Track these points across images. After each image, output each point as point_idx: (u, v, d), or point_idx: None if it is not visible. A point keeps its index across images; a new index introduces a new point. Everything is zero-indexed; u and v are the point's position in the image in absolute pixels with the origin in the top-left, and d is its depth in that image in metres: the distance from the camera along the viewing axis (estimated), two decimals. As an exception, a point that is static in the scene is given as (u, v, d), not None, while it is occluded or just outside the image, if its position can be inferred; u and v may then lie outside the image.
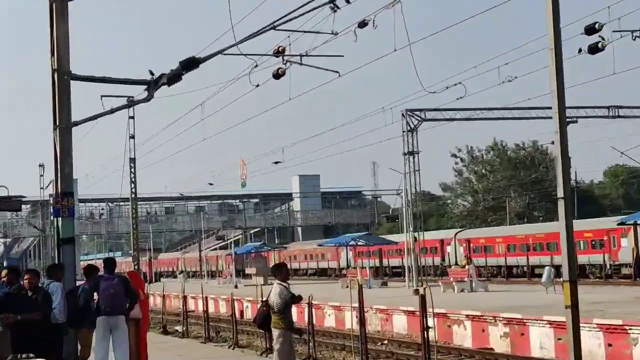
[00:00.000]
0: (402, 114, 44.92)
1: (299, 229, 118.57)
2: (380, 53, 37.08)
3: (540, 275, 41.33)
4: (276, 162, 61.01)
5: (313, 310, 20.28)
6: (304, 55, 20.58)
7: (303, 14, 17.89)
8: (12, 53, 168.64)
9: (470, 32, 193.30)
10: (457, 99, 34.28)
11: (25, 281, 13.89)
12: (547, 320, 21.21)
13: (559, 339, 20.11)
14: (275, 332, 13.82)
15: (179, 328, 30.16)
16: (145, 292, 17.67)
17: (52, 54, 16.89)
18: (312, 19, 18.51)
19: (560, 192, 12.01)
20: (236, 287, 53.28)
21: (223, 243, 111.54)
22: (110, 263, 15.25)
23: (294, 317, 14.53)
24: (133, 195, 53.42)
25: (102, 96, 19.18)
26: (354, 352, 19.98)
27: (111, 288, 14.67)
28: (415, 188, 45.98)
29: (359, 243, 57.64)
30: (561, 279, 12.89)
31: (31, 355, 11.74)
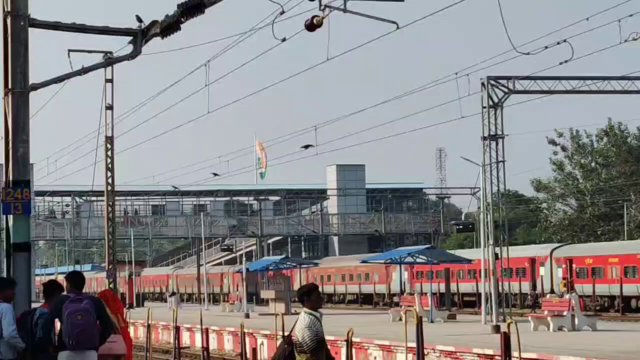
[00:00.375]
0: (483, 83, 44.74)
1: (335, 238, 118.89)
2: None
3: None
4: (306, 147, 61.10)
5: (353, 350, 20.32)
6: (348, -1, 20.53)
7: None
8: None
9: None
10: (560, 63, 34.07)
11: None
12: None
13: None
14: (302, 379, 13.88)
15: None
16: (126, 319, 17.77)
17: (4, -9, 17.01)
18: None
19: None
20: (247, 316, 53.46)
21: (231, 256, 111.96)
22: (77, 279, 15.23)
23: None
24: (109, 188, 53.82)
25: (69, 51, 19.32)
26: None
27: (79, 314, 14.68)
28: (498, 186, 45.85)
29: (418, 260, 57.54)
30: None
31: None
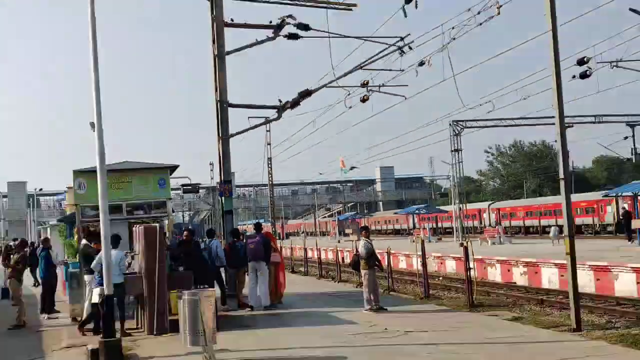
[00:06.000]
0: (450, 124, 44.15)
1: (380, 203, 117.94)
2: (434, 82, 36.29)
3: (549, 233, 39.97)
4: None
5: (391, 257, 20.23)
6: (381, 86, 20.40)
7: (381, 57, 17.73)
8: (192, 91, 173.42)
9: (497, 64, 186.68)
10: (488, 112, 33.40)
11: (184, 237, 13.99)
12: (554, 263, 20.58)
13: (562, 276, 19.48)
14: (362, 272, 13.85)
15: (302, 269, 30.46)
16: (278, 245, 17.77)
17: (216, 90, 17.26)
18: (386, 61, 18.34)
19: (561, 174, 11.61)
20: (339, 242, 53.40)
21: (330, 213, 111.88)
22: (257, 226, 15.35)
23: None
24: (270, 182, 54.18)
25: (249, 117, 19.52)
26: (419, 284, 19.78)
27: (252, 244, 14.79)
28: (460, 174, 45.15)
29: (421, 212, 57.07)
30: (563, 235, 12.47)
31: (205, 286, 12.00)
